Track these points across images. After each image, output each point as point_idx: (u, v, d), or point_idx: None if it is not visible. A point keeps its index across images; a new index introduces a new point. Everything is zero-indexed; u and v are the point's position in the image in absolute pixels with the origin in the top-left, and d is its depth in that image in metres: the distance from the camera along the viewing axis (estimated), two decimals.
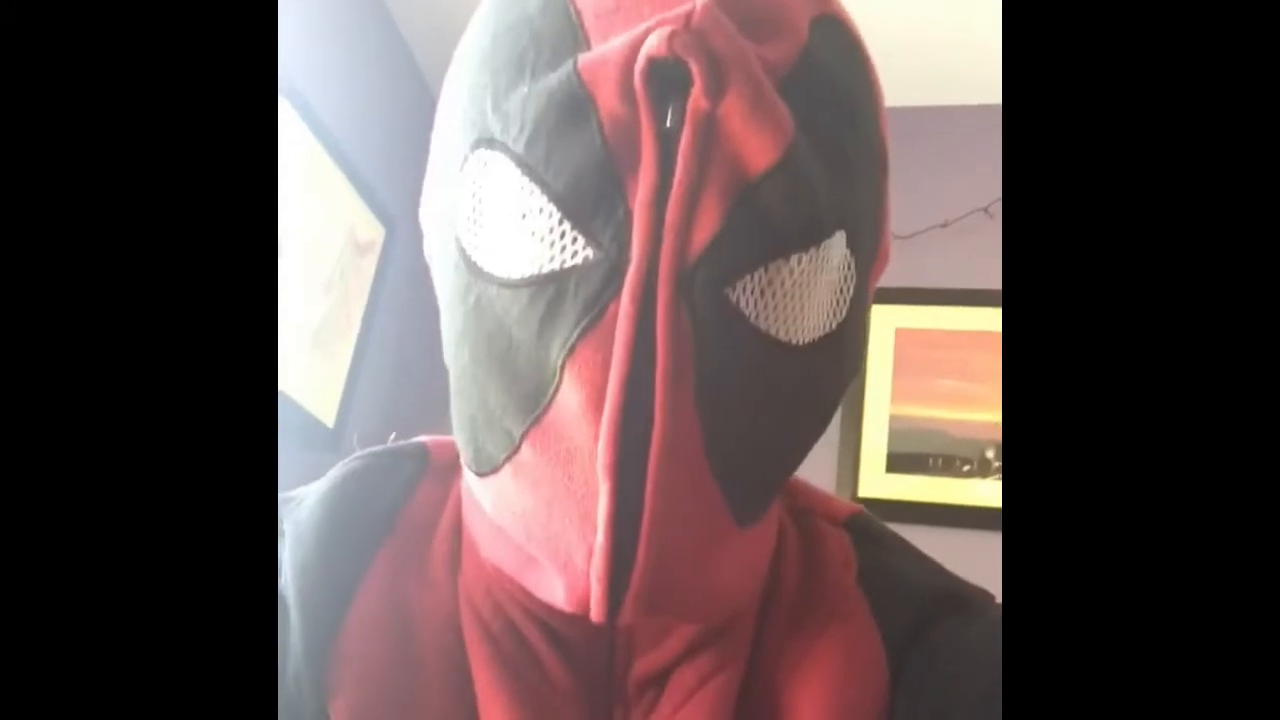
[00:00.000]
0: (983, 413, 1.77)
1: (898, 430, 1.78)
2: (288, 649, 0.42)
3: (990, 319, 1.80)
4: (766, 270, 0.38)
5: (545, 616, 0.43)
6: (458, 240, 0.40)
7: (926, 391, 1.80)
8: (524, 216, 0.38)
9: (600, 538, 0.37)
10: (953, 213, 1.85)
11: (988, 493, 1.72)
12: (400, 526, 0.46)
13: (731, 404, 0.38)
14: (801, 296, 0.39)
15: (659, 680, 0.44)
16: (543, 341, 0.37)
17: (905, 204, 1.81)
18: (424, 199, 0.46)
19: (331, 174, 1.76)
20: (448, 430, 0.46)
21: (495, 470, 0.40)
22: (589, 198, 0.37)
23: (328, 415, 1.79)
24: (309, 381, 1.73)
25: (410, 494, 0.48)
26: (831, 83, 0.39)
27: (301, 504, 0.47)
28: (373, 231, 1.90)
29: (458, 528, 0.47)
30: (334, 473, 0.48)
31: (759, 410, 0.39)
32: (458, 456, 0.49)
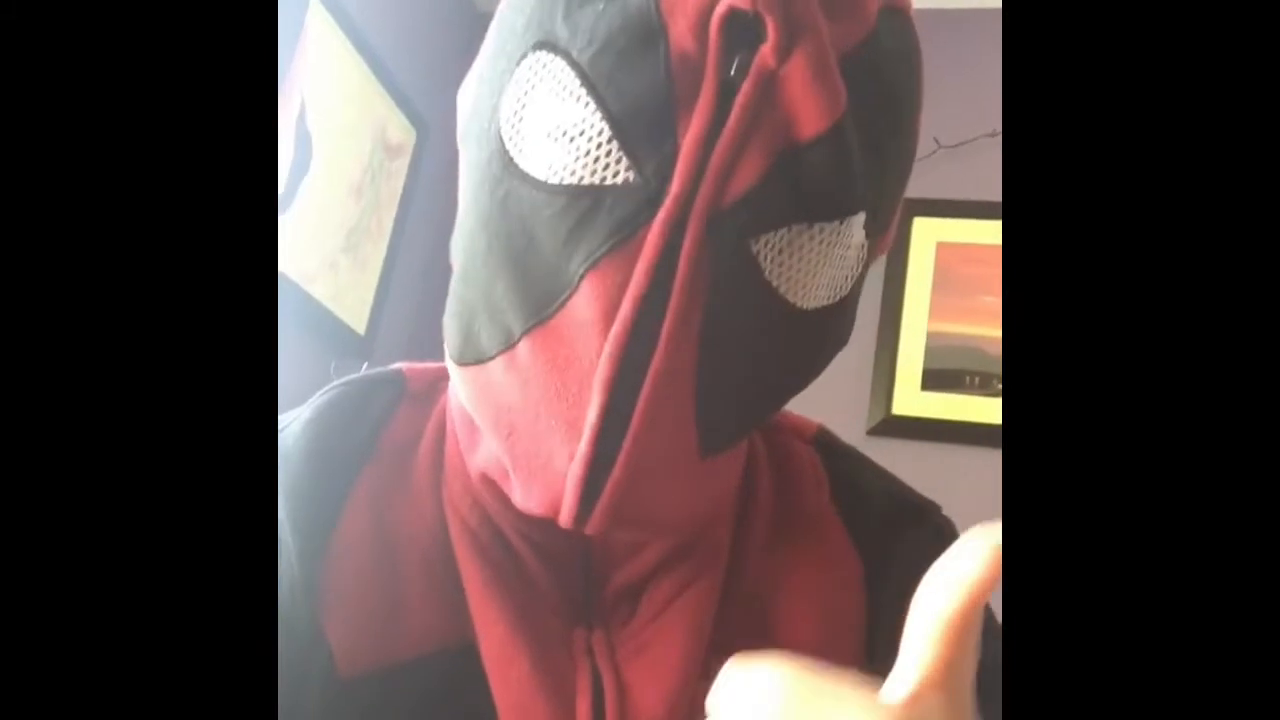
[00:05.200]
0: None
1: (935, 347, 1.75)
2: (282, 572, 0.44)
3: None
4: (790, 231, 0.40)
5: (526, 527, 0.45)
6: (498, 132, 0.41)
7: (967, 308, 1.76)
8: (573, 126, 0.38)
9: (583, 446, 0.38)
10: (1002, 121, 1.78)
11: None
12: (381, 449, 0.48)
13: (728, 348, 0.40)
14: (816, 264, 0.41)
15: (635, 592, 0.46)
16: (567, 249, 0.39)
17: (952, 111, 1.75)
18: (469, 79, 0.47)
19: (361, 73, 1.72)
20: None
21: (482, 362, 0.42)
22: (641, 124, 0.38)
23: (359, 322, 1.78)
24: (340, 288, 1.72)
25: (389, 418, 0.50)
26: (884, 73, 0.41)
27: (284, 431, 0.48)
28: (404, 134, 1.87)
29: (440, 447, 0.49)
30: (315, 400, 0.50)
31: (750, 360, 0.41)
32: (435, 381, 0.52)
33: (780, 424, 0.54)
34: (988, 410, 1.71)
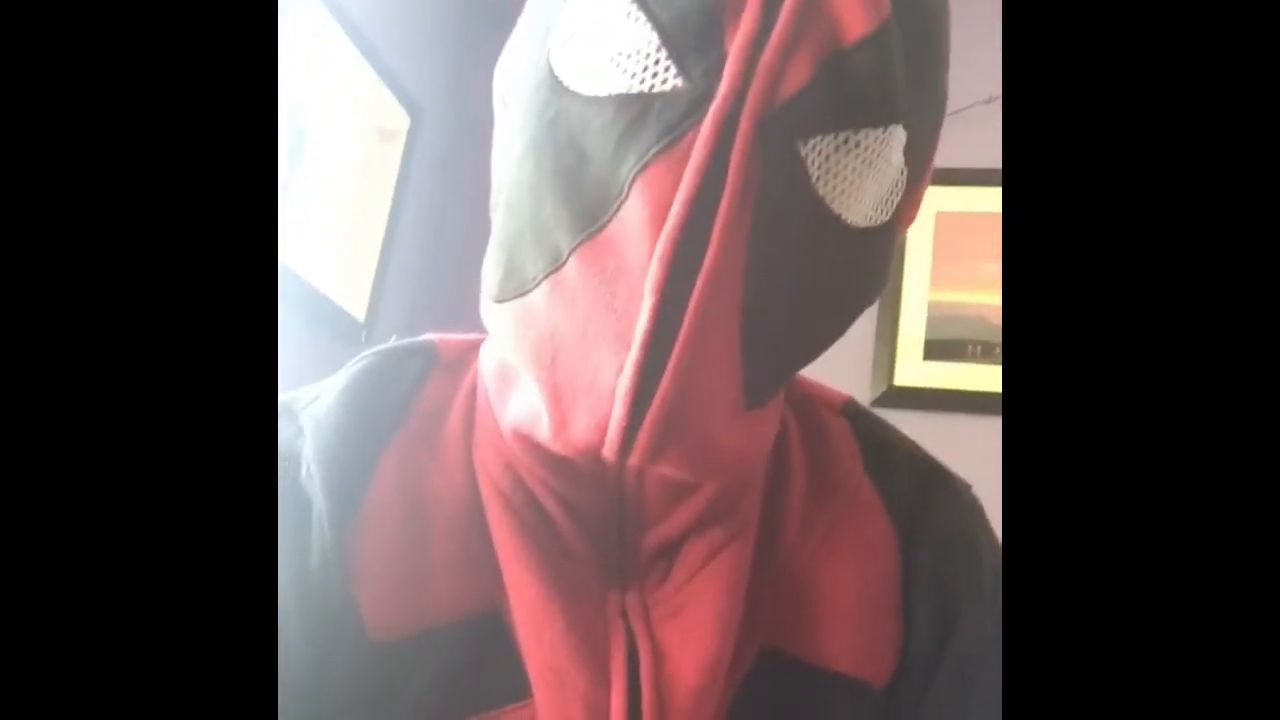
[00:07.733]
0: None
1: (936, 317, 1.75)
2: (311, 540, 0.45)
3: None
4: (836, 138, 0.40)
5: (561, 486, 0.45)
6: (548, 59, 0.42)
7: (967, 277, 1.76)
8: (622, 39, 0.40)
9: (634, 352, 0.38)
10: (999, 87, 1.77)
11: None
12: (412, 417, 0.49)
13: (775, 259, 0.40)
14: (860, 175, 0.41)
15: (670, 551, 0.47)
16: (616, 157, 0.39)
17: (949, 77, 1.73)
18: (512, 41, 0.48)
19: (353, 59, 1.72)
20: (478, 322, 0.46)
21: (525, 292, 0.42)
22: (690, 32, 0.39)
23: (358, 309, 1.78)
24: (338, 275, 1.72)
25: (421, 386, 0.50)
26: (922, 2, 0.42)
27: (318, 400, 0.49)
28: (398, 120, 1.86)
29: (470, 414, 0.49)
30: (349, 369, 0.50)
31: (796, 280, 0.41)
32: (465, 351, 0.52)
33: (811, 396, 0.54)
34: (991, 379, 1.71)
